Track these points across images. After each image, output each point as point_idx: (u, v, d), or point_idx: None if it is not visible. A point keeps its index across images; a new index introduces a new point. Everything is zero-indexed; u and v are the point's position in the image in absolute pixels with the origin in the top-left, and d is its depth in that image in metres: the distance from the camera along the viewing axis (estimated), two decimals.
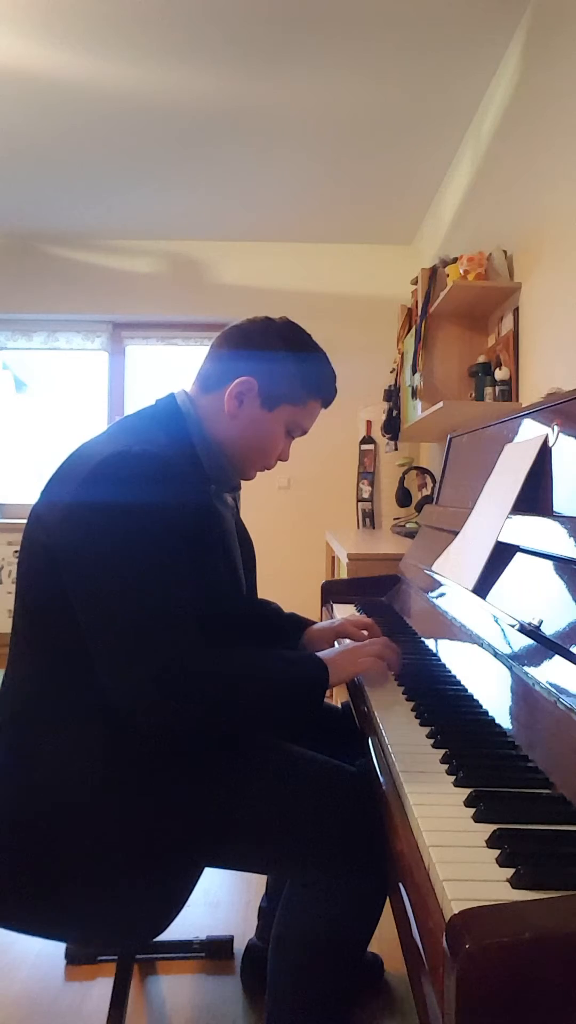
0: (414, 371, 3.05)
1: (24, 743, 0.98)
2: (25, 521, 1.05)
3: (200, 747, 0.98)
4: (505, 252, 2.66)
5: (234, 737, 1.01)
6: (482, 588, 1.16)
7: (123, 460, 0.96)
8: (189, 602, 0.96)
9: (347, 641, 1.28)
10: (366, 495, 3.97)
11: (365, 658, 1.09)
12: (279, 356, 1.15)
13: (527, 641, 0.92)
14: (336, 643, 1.31)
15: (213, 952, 1.61)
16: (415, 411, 3.08)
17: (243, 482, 1.24)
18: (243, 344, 1.16)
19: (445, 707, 1.00)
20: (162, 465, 0.98)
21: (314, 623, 1.40)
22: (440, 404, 2.60)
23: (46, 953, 1.61)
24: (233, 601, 1.15)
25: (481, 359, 2.81)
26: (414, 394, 3.09)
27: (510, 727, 0.89)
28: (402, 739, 0.90)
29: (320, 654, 1.07)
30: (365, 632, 1.31)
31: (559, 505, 1.06)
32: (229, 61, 2.76)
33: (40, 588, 1.00)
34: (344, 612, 1.75)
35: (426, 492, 3.55)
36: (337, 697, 1.69)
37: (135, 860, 0.95)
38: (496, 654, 1.01)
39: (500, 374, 2.61)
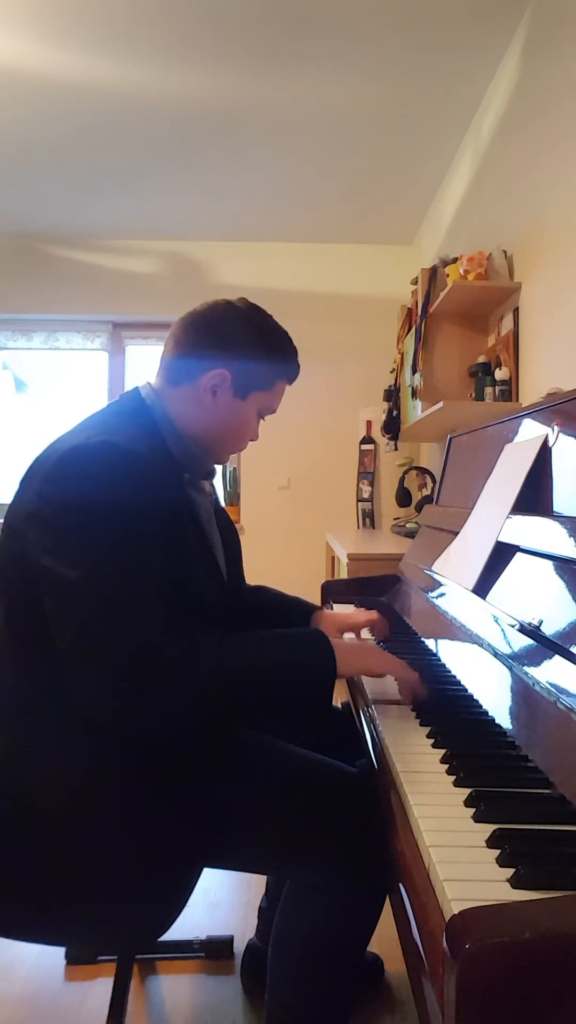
0: (414, 371, 3.05)
1: (18, 750, 0.97)
2: None
3: (189, 741, 0.96)
4: (505, 252, 2.66)
5: (232, 735, 1.01)
6: (482, 588, 1.16)
7: (82, 452, 0.94)
8: (158, 590, 0.92)
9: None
10: (366, 495, 3.97)
11: (381, 661, 1.02)
12: (247, 345, 1.13)
13: (527, 641, 0.92)
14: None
15: (213, 952, 1.61)
16: (415, 411, 3.08)
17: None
18: (210, 335, 1.13)
19: (445, 707, 1.00)
20: (123, 454, 0.95)
21: (320, 608, 1.38)
22: (440, 404, 2.59)
23: (46, 953, 1.61)
24: (213, 590, 1.11)
25: (481, 359, 2.80)
26: (414, 394, 3.09)
27: (510, 727, 0.89)
28: (402, 739, 0.90)
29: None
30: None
31: (559, 505, 1.06)
32: (229, 61, 2.76)
33: (17, 593, 0.98)
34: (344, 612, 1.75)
35: (426, 492, 3.55)
36: (337, 697, 1.69)
37: (134, 863, 0.94)
38: (496, 654, 1.01)
39: (500, 374, 2.61)
